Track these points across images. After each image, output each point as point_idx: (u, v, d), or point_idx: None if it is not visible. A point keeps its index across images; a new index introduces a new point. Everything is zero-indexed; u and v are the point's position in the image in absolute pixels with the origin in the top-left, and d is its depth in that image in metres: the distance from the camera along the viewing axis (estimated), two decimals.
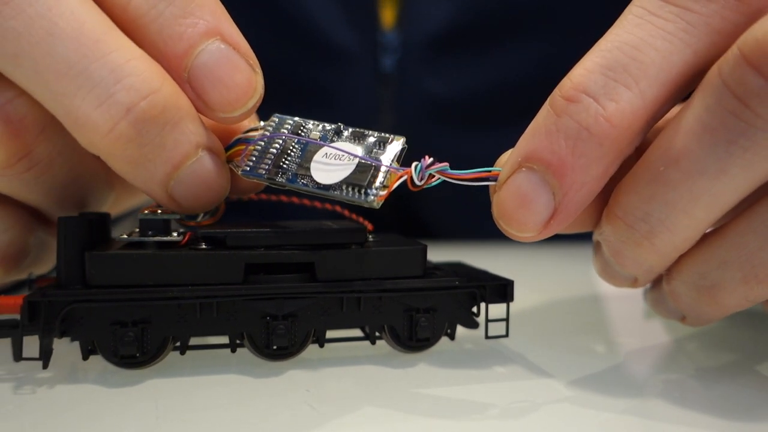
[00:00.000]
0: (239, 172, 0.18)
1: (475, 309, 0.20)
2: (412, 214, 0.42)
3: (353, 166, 0.17)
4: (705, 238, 0.17)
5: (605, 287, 0.22)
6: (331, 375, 0.18)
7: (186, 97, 0.17)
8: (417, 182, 0.17)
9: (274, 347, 0.18)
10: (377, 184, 0.17)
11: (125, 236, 0.18)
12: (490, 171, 0.17)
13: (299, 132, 0.19)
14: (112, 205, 0.21)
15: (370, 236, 0.20)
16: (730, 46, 0.14)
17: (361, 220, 0.20)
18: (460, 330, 0.20)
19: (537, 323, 0.24)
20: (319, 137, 0.18)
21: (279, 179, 0.18)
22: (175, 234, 0.18)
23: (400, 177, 0.17)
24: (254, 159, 0.18)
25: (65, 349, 0.18)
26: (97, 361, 0.18)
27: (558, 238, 0.20)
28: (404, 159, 0.18)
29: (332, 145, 0.18)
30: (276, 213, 0.29)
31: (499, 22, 0.39)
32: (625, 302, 0.26)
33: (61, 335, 0.17)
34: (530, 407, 0.16)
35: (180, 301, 0.17)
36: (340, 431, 0.14)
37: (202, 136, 0.17)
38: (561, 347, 0.21)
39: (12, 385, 0.17)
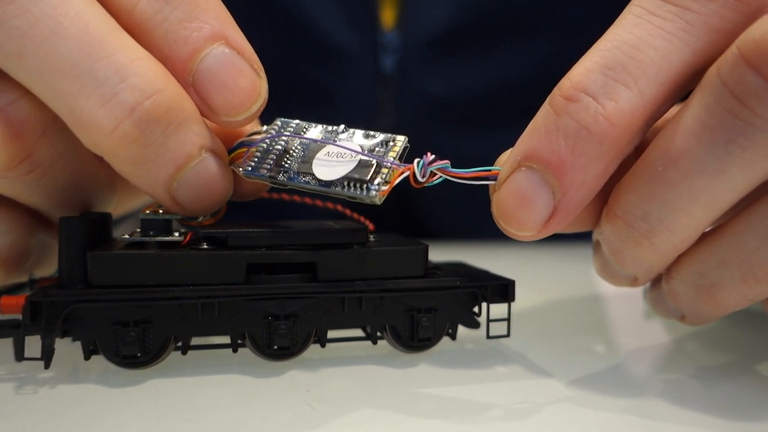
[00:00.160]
0: (241, 173, 0.18)
1: (476, 309, 0.20)
2: (413, 214, 0.42)
3: (355, 163, 0.17)
4: (704, 238, 0.17)
5: (605, 287, 0.22)
6: (332, 375, 0.18)
7: (190, 99, 0.17)
8: (419, 179, 0.17)
9: (276, 347, 0.18)
10: (379, 179, 0.17)
11: (127, 236, 0.18)
12: (489, 170, 0.17)
13: (302, 134, 0.19)
14: (114, 208, 0.21)
15: (372, 236, 0.20)
16: (729, 46, 0.15)
17: (362, 219, 0.20)
18: (462, 330, 0.20)
19: (537, 323, 0.24)
20: (322, 138, 0.19)
21: (280, 177, 0.18)
22: (176, 234, 0.18)
23: (402, 173, 0.17)
24: (256, 160, 0.18)
25: (67, 349, 0.18)
26: (98, 361, 0.18)
27: (558, 238, 0.20)
28: (405, 159, 0.18)
29: (334, 142, 0.18)
30: (277, 213, 0.29)
31: (499, 22, 0.39)
32: (625, 302, 0.26)
33: (63, 335, 0.17)
34: (531, 407, 0.16)
35: (181, 301, 0.17)
36: (340, 431, 0.15)
37: (206, 138, 0.17)
38: (561, 347, 0.21)
39: (14, 384, 0.17)
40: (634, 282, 0.19)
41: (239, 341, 0.18)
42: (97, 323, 0.17)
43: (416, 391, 0.17)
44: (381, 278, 0.18)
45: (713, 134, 0.14)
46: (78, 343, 0.17)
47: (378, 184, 0.17)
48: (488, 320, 0.19)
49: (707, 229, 0.17)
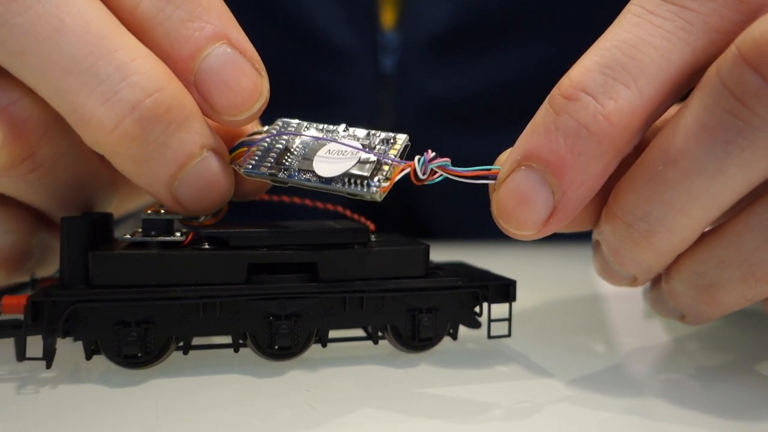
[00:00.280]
0: (241, 171, 0.18)
1: (477, 309, 0.20)
2: (414, 215, 0.42)
3: (355, 160, 0.17)
4: (703, 238, 0.17)
5: (605, 287, 0.22)
6: (333, 375, 0.18)
7: (191, 98, 0.17)
8: (420, 176, 0.17)
9: (277, 347, 0.18)
10: (380, 176, 0.17)
11: (128, 236, 0.18)
12: (489, 169, 0.17)
13: (303, 133, 0.19)
14: (116, 207, 0.21)
15: (373, 236, 0.20)
16: (729, 45, 0.15)
17: (363, 220, 0.20)
18: (463, 330, 0.20)
19: (538, 323, 0.24)
20: (323, 137, 0.19)
21: (281, 175, 0.18)
22: (178, 234, 0.18)
23: (403, 169, 0.17)
24: (257, 158, 0.18)
25: (68, 348, 0.18)
26: (100, 361, 0.18)
27: (558, 238, 0.20)
28: (406, 157, 0.18)
29: (335, 140, 0.18)
30: (278, 213, 0.29)
31: (499, 22, 0.39)
32: (625, 302, 0.27)
33: (65, 335, 0.17)
34: (532, 407, 0.16)
35: (183, 301, 0.17)
36: (341, 431, 0.15)
37: (207, 136, 0.17)
38: (562, 347, 0.21)
39: (15, 384, 0.17)
40: (633, 282, 0.19)
41: (240, 341, 0.18)
42: (99, 323, 0.17)
43: (417, 391, 0.17)
44: (382, 278, 0.18)
45: (712, 134, 0.15)
46: (79, 343, 0.17)
47: (378, 180, 0.17)
48: (489, 320, 0.20)
49: (706, 229, 0.17)
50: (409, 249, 0.19)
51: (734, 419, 0.15)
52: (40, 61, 0.15)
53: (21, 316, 0.16)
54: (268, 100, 0.18)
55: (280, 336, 0.18)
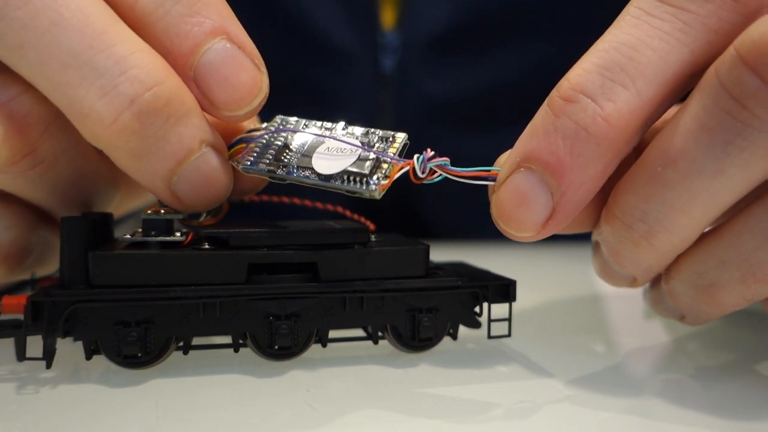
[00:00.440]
0: (240, 168, 0.18)
1: (477, 309, 0.20)
2: (413, 215, 0.42)
3: (355, 158, 0.17)
4: (703, 238, 0.17)
5: (605, 287, 0.22)
6: (333, 375, 0.18)
7: (190, 93, 0.17)
8: (419, 174, 0.17)
9: (277, 347, 0.18)
10: (379, 174, 0.17)
11: (128, 236, 0.18)
12: (489, 170, 0.17)
13: (301, 130, 0.19)
14: (117, 206, 0.21)
15: (373, 236, 0.20)
16: (728, 47, 0.15)
17: (363, 220, 0.20)
18: (463, 330, 0.20)
19: (538, 323, 0.24)
20: (321, 134, 0.19)
21: (279, 172, 0.18)
22: (178, 234, 0.18)
23: (402, 168, 0.17)
24: (255, 155, 0.18)
25: (68, 349, 0.18)
26: (100, 361, 0.18)
27: (558, 239, 0.20)
28: (405, 156, 0.18)
29: (334, 137, 0.18)
30: (277, 214, 0.29)
31: (499, 22, 0.39)
32: (625, 302, 0.27)
33: (65, 335, 0.17)
34: (532, 407, 0.16)
35: (183, 301, 0.17)
36: (341, 431, 0.15)
37: (207, 132, 0.17)
38: (562, 347, 0.21)
39: (15, 384, 0.17)
40: (633, 282, 0.19)
41: (240, 341, 0.18)
42: (99, 323, 0.17)
43: (417, 391, 0.17)
44: (382, 278, 0.18)
45: (711, 135, 0.15)
46: (79, 343, 0.17)
47: (378, 178, 0.17)
48: (489, 320, 0.20)
49: (706, 230, 0.17)
50: (409, 249, 0.19)
51: (734, 419, 0.15)
52: (38, 54, 0.15)
53: (21, 316, 0.17)
54: (267, 95, 0.18)
55: (280, 336, 0.18)
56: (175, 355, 0.18)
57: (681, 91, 0.16)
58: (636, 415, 0.16)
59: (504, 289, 0.19)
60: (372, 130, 0.18)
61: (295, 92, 0.38)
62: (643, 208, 0.16)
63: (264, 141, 0.19)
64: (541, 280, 0.30)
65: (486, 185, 0.17)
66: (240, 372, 0.18)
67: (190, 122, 0.17)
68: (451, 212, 0.41)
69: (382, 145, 0.18)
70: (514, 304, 0.20)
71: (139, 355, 0.17)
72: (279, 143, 0.18)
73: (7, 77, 0.16)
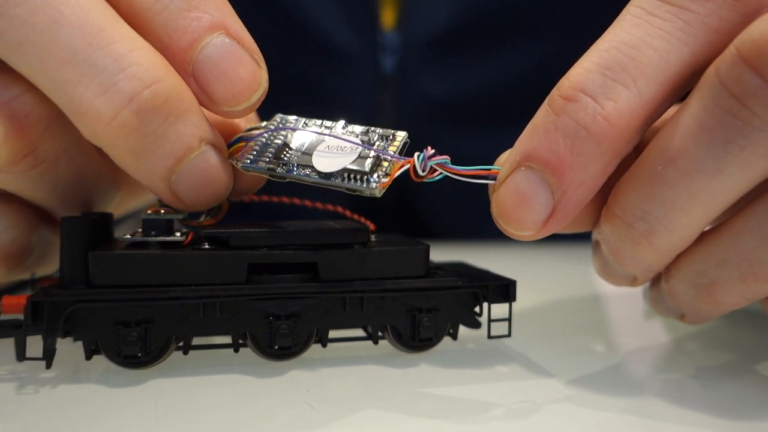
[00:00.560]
0: (239, 166, 0.18)
1: (477, 309, 0.20)
2: (412, 214, 0.42)
3: (355, 156, 0.17)
4: (703, 237, 0.17)
5: (605, 287, 0.22)
6: (333, 375, 0.18)
7: (189, 91, 0.17)
8: (420, 172, 0.17)
9: (277, 347, 0.18)
10: (379, 172, 0.17)
11: (128, 236, 0.18)
12: (489, 169, 0.17)
13: (301, 128, 0.19)
14: (117, 206, 0.21)
15: (373, 236, 0.20)
16: (728, 46, 0.15)
17: (363, 220, 0.20)
18: (463, 330, 0.20)
19: (538, 323, 0.24)
20: (322, 132, 0.18)
21: (279, 170, 0.18)
22: (178, 234, 0.18)
23: (403, 165, 0.17)
24: (255, 153, 0.18)
25: (68, 349, 0.18)
26: (99, 361, 0.18)
27: (558, 238, 0.20)
28: (405, 154, 0.18)
29: (334, 135, 0.18)
30: (277, 214, 0.29)
31: (499, 22, 0.39)
32: (625, 302, 0.27)
33: (65, 335, 0.17)
34: (532, 407, 0.16)
35: (183, 301, 0.17)
36: (341, 431, 0.15)
37: (206, 130, 0.17)
38: (562, 347, 0.21)
39: (15, 384, 0.17)
40: (633, 281, 0.19)
41: (240, 341, 0.18)
42: (99, 323, 0.17)
43: (417, 391, 0.17)
44: (382, 278, 0.18)
45: (712, 134, 0.15)
46: (79, 343, 0.17)
47: (378, 176, 0.17)
48: (489, 320, 0.20)
49: (706, 229, 0.17)
50: (409, 249, 0.19)
51: (734, 419, 0.15)
52: (37, 51, 0.15)
53: (21, 316, 0.17)
54: (266, 90, 0.18)
55: (280, 336, 0.18)
56: (175, 355, 0.18)
57: (681, 90, 0.16)
58: (636, 415, 0.16)
59: (504, 289, 0.19)
60: (372, 128, 0.18)
61: (295, 92, 0.38)
62: (644, 207, 0.16)
63: (264, 139, 0.19)
64: (541, 280, 0.30)
65: (486, 184, 0.17)
66: (240, 372, 0.18)
67: (189, 120, 0.17)
68: (451, 212, 0.41)
69: (382, 144, 0.18)
70: (514, 304, 0.20)
71: (139, 355, 0.17)
72: (279, 141, 0.18)
73: (8, 77, 0.16)
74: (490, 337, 0.20)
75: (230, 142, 0.19)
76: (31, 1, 0.15)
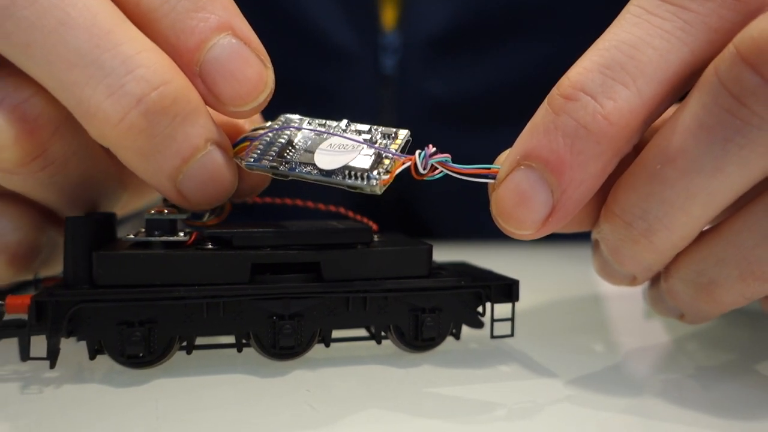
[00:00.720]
0: (243, 164, 0.18)
1: (480, 309, 0.20)
2: (413, 215, 0.42)
3: (356, 153, 0.17)
4: (702, 236, 0.17)
5: (605, 287, 0.22)
6: (336, 375, 0.18)
7: (196, 92, 0.17)
8: (421, 170, 0.17)
9: (280, 347, 0.18)
10: (380, 169, 0.17)
11: (132, 236, 0.18)
12: (489, 168, 0.17)
13: (305, 128, 0.19)
14: (122, 206, 0.21)
15: (376, 236, 0.20)
16: (727, 45, 0.15)
17: (365, 220, 0.20)
18: (465, 330, 0.20)
19: (538, 323, 0.24)
20: (325, 131, 0.19)
21: (282, 168, 0.18)
22: (181, 234, 0.18)
23: (404, 163, 0.17)
24: (259, 152, 0.18)
25: (72, 348, 0.18)
26: (103, 360, 0.18)
27: (558, 238, 0.20)
28: (407, 153, 0.18)
29: (337, 133, 0.18)
30: (280, 216, 0.29)
31: (499, 22, 0.39)
32: (625, 302, 0.27)
33: (68, 335, 0.17)
34: (535, 407, 0.16)
35: (186, 300, 0.17)
36: (344, 431, 0.15)
37: (212, 130, 0.17)
38: (562, 347, 0.21)
39: (19, 384, 0.17)
40: (633, 281, 0.19)
41: (244, 341, 0.18)
42: (103, 323, 0.17)
43: (420, 391, 0.17)
44: (385, 278, 0.18)
45: (711, 133, 0.15)
46: (83, 343, 0.17)
47: (379, 173, 0.17)
48: (492, 320, 0.20)
49: (705, 228, 0.17)
50: (412, 249, 0.19)
51: (734, 419, 0.15)
52: (45, 53, 0.15)
53: (25, 316, 0.17)
54: (273, 91, 0.18)
55: (284, 336, 0.18)
56: (179, 355, 0.18)
57: (681, 89, 0.16)
58: (636, 415, 0.16)
59: (507, 289, 0.20)
60: (375, 127, 0.18)
61: (296, 92, 0.38)
62: (643, 206, 0.16)
63: (268, 139, 0.19)
64: (541, 279, 0.30)
65: (485, 183, 0.17)
66: (243, 372, 0.18)
67: (196, 121, 0.17)
68: (451, 212, 0.41)
69: (384, 142, 0.18)
70: (516, 304, 0.20)
71: (143, 354, 0.17)
72: (283, 141, 0.19)
73: (17, 79, 0.16)
74: (492, 336, 0.20)
75: (235, 142, 0.19)
76: (39, 3, 0.15)
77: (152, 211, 0.18)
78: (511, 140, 0.17)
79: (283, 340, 0.18)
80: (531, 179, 0.16)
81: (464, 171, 0.17)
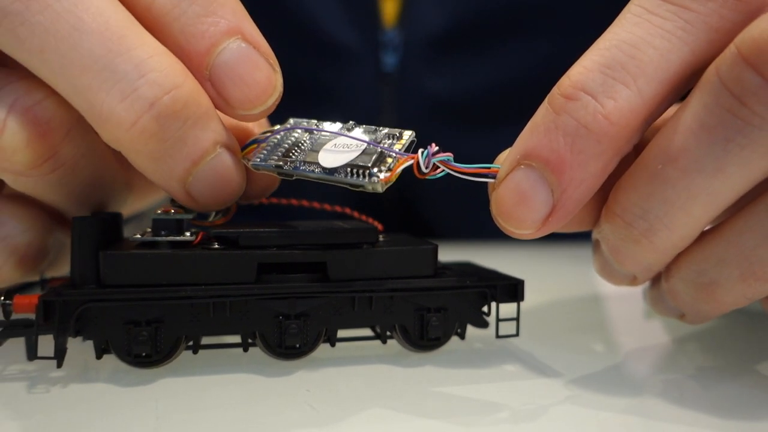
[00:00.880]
0: (250, 165, 0.18)
1: (485, 308, 0.20)
2: (416, 215, 0.42)
3: (359, 152, 0.18)
4: (703, 236, 0.17)
5: (605, 287, 0.22)
6: (341, 374, 0.18)
7: (206, 95, 0.17)
8: (423, 169, 0.17)
9: (286, 346, 0.18)
10: (382, 167, 0.17)
11: (138, 236, 0.18)
12: (490, 167, 0.17)
13: (312, 129, 0.19)
14: (129, 207, 0.21)
15: (381, 236, 0.20)
16: (728, 45, 0.15)
17: (371, 220, 0.20)
18: (470, 329, 0.20)
19: (540, 323, 0.24)
20: (331, 132, 0.19)
21: (286, 167, 0.18)
22: (187, 234, 0.18)
23: (406, 161, 0.17)
24: (265, 153, 0.18)
25: (79, 348, 0.18)
26: (110, 360, 0.18)
27: (558, 238, 0.20)
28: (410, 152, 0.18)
29: (342, 133, 0.18)
30: (286, 217, 0.29)
31: (499, 21, 0.39)
32: (625, 302, 0.27)
33: (75, 334, 0.17)
34: (540, 407, 0.16)
35: (193, 300, 0.17)
36: (349, 430, 0.15)
37: (221, 133, 0.17)
38: (564, 347, 0.21)
39: (26, 383, 0.17)
40: (633, 281, 0.19)
41: (250, 340, 0.18)
42: (109, 322, 0.17)
43: (425, 391, 0.17)
44: (391, 278, 0.18)
45: (712, 133, 0.15)
46: (90, 343, 0.18)
47: (380, 171, 0.17)
48: (497, 320, 0.20)
49: (706, 228, 0.17)
50: (417, 249, 0.19)
51: (734, 419, 0.16)
52: (59, 58, 0.16)
53: (32, 316, 0.17)
54: (281, 94, 0.18)
55: (290, 335, 0.18)
56: (185, 355, 0.18)
57: (682, 89, 0.16)
58: (636, 415, 0.16)
59: (512, 289, 0.20)
60: (380, 128, 0.19)
61: (297, 91, 0.37)
62: (644, 206, 0.16)
63: (275, 141, 0.19)
64: (542, 279, 0.30)
65: (486, 183, 0.17)
66: (249, 371, 0.18)
67: (206, 124, 0.17)
68: (454, 212, 0.41)
69: (388, 142, 0.18)
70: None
71: (148, 354, 0.17)
72: (289, 142, 0.19)
73: (30, 82, 0.16)
74: (498, 336, 0.20)
75: (244, 145, 0.19)
76: (52, 8, 0.15)
77: (159, 211, 0.18)
78: (512, 139, 0.17)
79: (289, 339, 0.18)
80: (531, 178, 0.16)
81: (465, 170, 0.17)
